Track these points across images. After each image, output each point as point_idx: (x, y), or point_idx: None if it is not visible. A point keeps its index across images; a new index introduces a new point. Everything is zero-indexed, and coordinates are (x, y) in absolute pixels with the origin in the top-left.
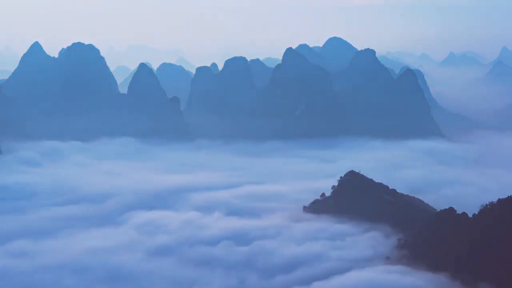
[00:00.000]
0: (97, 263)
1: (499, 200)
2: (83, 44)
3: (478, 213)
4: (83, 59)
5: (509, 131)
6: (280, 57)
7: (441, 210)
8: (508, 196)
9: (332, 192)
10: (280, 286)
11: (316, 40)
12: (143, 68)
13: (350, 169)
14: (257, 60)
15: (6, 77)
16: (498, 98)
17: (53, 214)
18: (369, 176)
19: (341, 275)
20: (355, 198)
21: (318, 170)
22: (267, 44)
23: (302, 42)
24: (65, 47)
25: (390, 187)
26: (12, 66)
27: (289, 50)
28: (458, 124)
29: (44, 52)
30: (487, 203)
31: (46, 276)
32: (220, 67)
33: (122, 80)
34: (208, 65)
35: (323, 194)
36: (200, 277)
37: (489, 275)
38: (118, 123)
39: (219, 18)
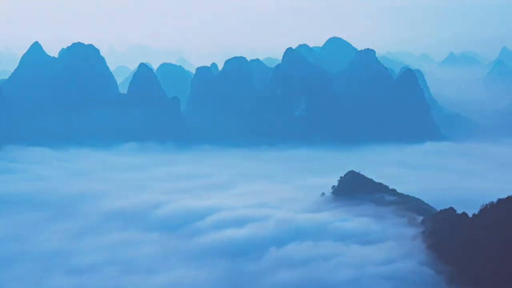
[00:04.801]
0: None
1: (499, 200)
2: (83, 44)
3: (478, 213)
4: (83, 59)
5: (509, 131)
6: (280, 57)
7: (441, 210)
8: (508, 196)
9: (332, 192)
10: None
11: (316, 40)
12: (143, 68)
13: (350, 169)
14: (257, 60)
15: (6, 77)
16: (498, 98)
17: None
18: (369, 176)
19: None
20: (355, 198)
21: (318, 170)
22: (267, 44)
23: (302, 42)
24: (65, 47)
25: (390, 187)
26: (12, 66)
27: (289, 50)
28: (458, 124)
29: (44, 52)
30: (487, 203)
31: None
32: (220, 67)
33: (122, 80)
34: (208, 65)
35: (323, 194)
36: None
37: (489, 275)
38: (118, 123)
39: (219, 18)
